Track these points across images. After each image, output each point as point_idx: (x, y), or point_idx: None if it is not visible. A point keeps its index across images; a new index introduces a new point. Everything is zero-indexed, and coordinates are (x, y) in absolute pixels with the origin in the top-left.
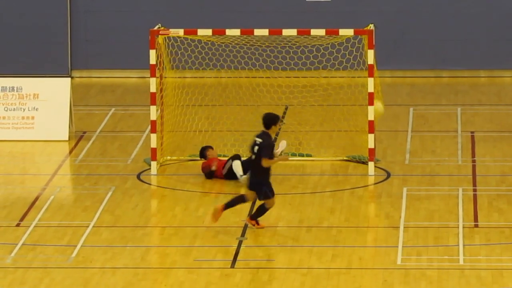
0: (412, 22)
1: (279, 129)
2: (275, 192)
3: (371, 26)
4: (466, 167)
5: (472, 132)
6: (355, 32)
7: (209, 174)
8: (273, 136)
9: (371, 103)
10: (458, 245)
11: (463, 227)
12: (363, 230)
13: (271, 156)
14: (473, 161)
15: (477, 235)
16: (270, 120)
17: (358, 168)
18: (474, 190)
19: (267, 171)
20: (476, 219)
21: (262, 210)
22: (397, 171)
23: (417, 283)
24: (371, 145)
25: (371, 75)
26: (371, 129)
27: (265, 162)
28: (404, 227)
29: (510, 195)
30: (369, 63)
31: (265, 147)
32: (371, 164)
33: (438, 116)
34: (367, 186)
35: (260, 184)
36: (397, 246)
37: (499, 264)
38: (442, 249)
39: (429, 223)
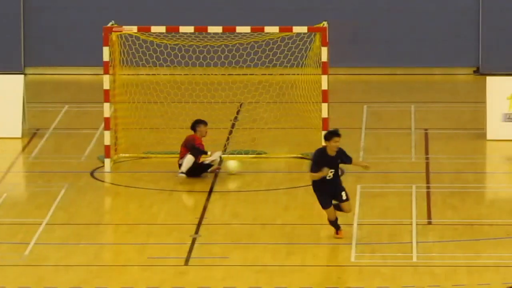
0: (366, 19)
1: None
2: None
3: (325, 24)
4: (420, 164)
5: (426, 130)
6: (309, 30)
7: (195, 151)
8: (331, 153)
9: (325, 100)
10: (411, 242)
11: (417, 224)
12: (317, 227)
13: (312, 170)
14: (427, 159)
15: (431, 232)
16: (325, 136)
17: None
18: (428, 187)
19: (315, 184)
20: (429, 216)
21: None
22: (351, 168)
23: (371, 280)
24: (325, 142)
25: (325, 72)
26: (325, 126)
27: (308, 176)
28: (358, 225)
29: (463, 192)
30: (322, 60)
31: (311, 162)
32: None
33: (392, 114)
34: None
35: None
36: (351, 244)
37: (452, 261)
38: (396, 246)
39: (383, 220)
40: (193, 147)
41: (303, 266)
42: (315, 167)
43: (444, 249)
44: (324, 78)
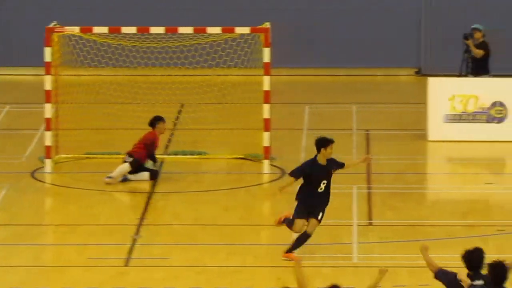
0: (309, 20)
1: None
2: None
3: (267, 25)
4: (361, 165)
5: (367, 130)
6: (251, 31)
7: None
8: (322, 162)
9: (267, 101)
10: (352, 243)
11: (358, 225)
12: (258, 228)
13: (292, 174)
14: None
15: (371, 233)
16: (319, 144)
17: (254, 166)
18: (369, 188)
19: (302, 193)
20: (370, 217)
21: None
22: (292, 169)
23: (311, 281)
24: (266, 143)
25: (267, 73)
26: (267, 127)
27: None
28: None
29: (404, 193)
30: (265, 61)
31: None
32: (266, 162)
33: (334, 114)
34: (263, 184)
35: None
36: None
37: (392, 262)
38: (336, 247)
39: (324, 220)
40: (152, 155)
41: (243, 267)
42: (297, 173)
43: (384, 250)
44: (266, 79)
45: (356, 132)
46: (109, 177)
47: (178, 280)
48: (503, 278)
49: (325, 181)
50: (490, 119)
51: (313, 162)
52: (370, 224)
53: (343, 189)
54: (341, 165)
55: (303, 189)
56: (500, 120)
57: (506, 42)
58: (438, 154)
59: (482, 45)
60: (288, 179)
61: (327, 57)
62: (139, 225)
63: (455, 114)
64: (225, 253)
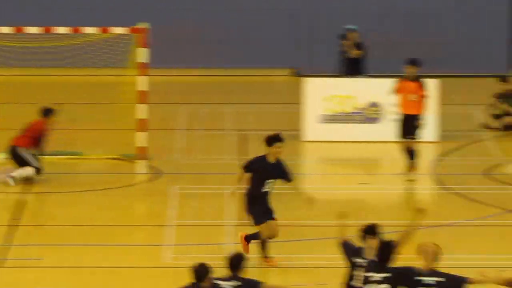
0: (183, 21)
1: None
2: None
3: (144, 25)
4: (236, 165)
5: (242, 131)
6: (128, 30)
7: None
8: (271, 160)
9: (143, 101)
10: (228, 243)
11: (232, 226)
12: (133, 228)
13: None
14: (243, 160)
15: (248, 232)
16: (266, 141)
17: (130, 166)
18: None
19: (248, 196)
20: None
21: None
22: (168, 169)
23: (187, 281)
24: (142, 143)
25: (143, 73)
26: (143, 128)
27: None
28: (175, 226)
29: (279, 193)
30: (142, 61)
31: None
32: (142, 163)
33: (210, 115)
34: (138, 184)
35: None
36: (168, 245)
37: (265, 262)
38: (212, 247)
39: (200, 221)
40: (39, 144)
41: (118, 267)
42: (245, 168)
43: (279, 250)
44: (143, 79)
45: (232, 133)
46: (11, 177)
47: (51, 281)
48: (388, 257)
49: (269, 181)
50: (366, 120)
51: (261, 158)
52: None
53: (218, 190)
54: (289, 177)
55: (250, 187)
56: (376, 120)
57: (380, 43)
58: (313, 154)
59: (358, 46)
60: (239, 173)
61: (202, 58)
62: (14, 225)
63: (331, 115)
64: (100, 253)
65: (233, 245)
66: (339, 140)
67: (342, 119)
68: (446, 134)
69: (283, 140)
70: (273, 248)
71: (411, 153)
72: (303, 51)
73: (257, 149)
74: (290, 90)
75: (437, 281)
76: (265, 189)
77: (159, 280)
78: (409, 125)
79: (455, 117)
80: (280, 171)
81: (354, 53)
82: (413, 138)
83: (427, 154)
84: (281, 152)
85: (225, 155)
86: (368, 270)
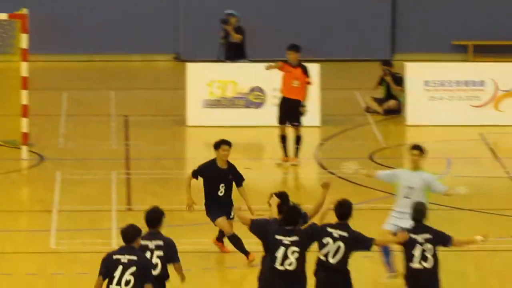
0: (66, 7)
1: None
2: None
3: (24, 10)
4: (120, 151)
5: (126, 116)
6: (9, 16)
7: None
8: (221, 164)
9: (24, 87)
10: (111, 228)
11: (117, 211)
12: (17, 214)
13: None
14: (127, 145)
15: (131, 218)
16: (214, 146)
17: (12, 152)
18: (128, 174)
19: (206, 201)
20: (129, 203)
21: None
22: (51, 155)
23: (71, 266)
24: (24, 129)
25: (24, 59)
26: (25, 113)
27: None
28: (58, 211)
29: (163, 178)
30: (22, 47)
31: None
32: (24, 148)
33: (92, 100)
34: (21, 170)
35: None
36: (51, 230)
37: None
38: (95, 233)
39: (83, 207)
40: None
41: (2, 253)
42: (195, 174)
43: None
44: (24, 65)
45: (115, 118)
46: None
47: None
48: (297, 219)
49: (223, 185)
50: (249, 104)
51: (211, 163)
52: (129, 209)
53: (102, 175)
54: (241, 179)
55: (206, 194)
56: (259, 105)
57: (260, 28)
58: (196, 139)
59: (239, 30)
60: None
61: (85, 43)
62: None
63: (213, 100)
64: None
65: (117, 230)
66: (222, 125)
67: (225, 104)
68: (329, 118)
69: (230, 144)
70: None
71: (296, 139)
72: (186, 37)
73: (141, 135)
74: (173, 76)
75: (340, 235)
76: (220, 192)
77: (44, 265)
78: (292, 111)
79: (338, 102)
80: (232, 176)
81: (235, 37)
82: (296, 125)
83: (310, 139)
84: (227, 155)
85: (109, 141)
86: (281, 234)
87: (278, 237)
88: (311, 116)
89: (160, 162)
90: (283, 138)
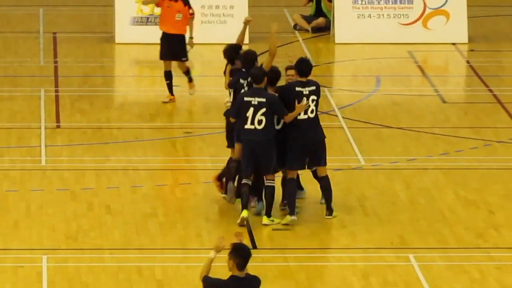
0: None
1: None
2: None
3: None
4: (49, 68)
5: (54, 33)
6: None
7: None
8: None
9: None
10: (40, 146)
11: (45, 128)
12: None
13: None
14: (55, 62)
15: (59, 135)
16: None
17: None
18: (56, 91)
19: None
20: (58, 120)
21: None
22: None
23: (0, 184)
24: None
25: None
26: None
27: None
28: None
29: (91, 96)
30: None
31: None
32: None
33: (21, 17)
34: None
35: None
36: None
37: (80, 165)
38: (24, 150)
39: (12, 124)
40: None
41: None
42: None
43: (72, 153)
44: None
45: (43, 35)
46: None
47: None
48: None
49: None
50: None
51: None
52: (58, 127)
53: (31, 92)
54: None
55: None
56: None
57: None
58: (125, 56)
59: None
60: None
61: None
62: None
63: (142, 17)
64: None
65: (46, 148)
66: (151, 43)
67: (153, 22)
68: (256, 36)
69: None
70: (87, 151)
71: (186, 74)
72: None
73: (69, 52)
74: None
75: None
76: None
77: None
78: (178, 47)
79: (266, 19)
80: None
81: None
82: (184, 60)
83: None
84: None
85: (38, 58)
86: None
87: (247, 98)
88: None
89: (88, 79)
90: (168, 74)
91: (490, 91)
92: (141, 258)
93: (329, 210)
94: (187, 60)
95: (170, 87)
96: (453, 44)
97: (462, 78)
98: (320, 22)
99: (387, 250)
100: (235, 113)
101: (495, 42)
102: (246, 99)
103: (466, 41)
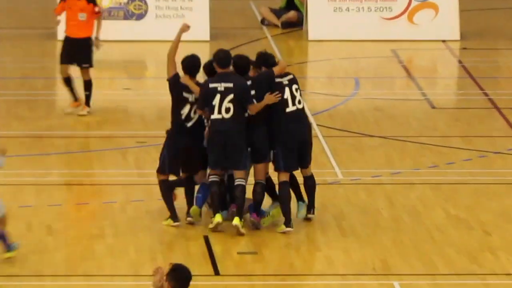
0: None
1: None
2: None
3: None
4: None
5: None
6: None
7: None
8: None
9: None
10: None
11: None
12: None
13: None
14: None
15: None
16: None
17: None
18: None
19: None
20: None
21: None
22: None
23: None
24: None
25: None
26: None
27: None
28: None
29: (30, 100)
30: None
31: None
32: None
33: None
34: None
35: None
36: None
37: (18, 179)
38: None
39: None
40: None
41: None
42: None
43: (9, 166)
44: None
45: None
46: None
47: None
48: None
49: None
50: (128, 16)
51: None
52: None
53: None
54: None
55: None
56: (140, 16)
57: None
58: None
59: None
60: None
61: None
62: None
63: None
64: None
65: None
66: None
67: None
68: (219, 32)
69: None
70: (27, 163)
71: (86, 85)
72: None
73: (6, 50)
74: None
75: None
76: None
77: None
78: (80, 51)
79: (229, 13)
80: None
81: None
82: (86, 67)
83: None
84: None
85: None
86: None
87: (212, 85)
88: (199, 30)
89: (27, 81)
90: (67, 81)
91: (485, 94)
92: (87, 286)
93: (313, 208)
94: (90, 66)
95: (72, 92)
96: (443, 41)
97: (453, 80)
98: (291, 16)
99: (368, 276)
100: (202, 103)
101: (490, 39)
102: (211, 85)
103: (458, 38)
